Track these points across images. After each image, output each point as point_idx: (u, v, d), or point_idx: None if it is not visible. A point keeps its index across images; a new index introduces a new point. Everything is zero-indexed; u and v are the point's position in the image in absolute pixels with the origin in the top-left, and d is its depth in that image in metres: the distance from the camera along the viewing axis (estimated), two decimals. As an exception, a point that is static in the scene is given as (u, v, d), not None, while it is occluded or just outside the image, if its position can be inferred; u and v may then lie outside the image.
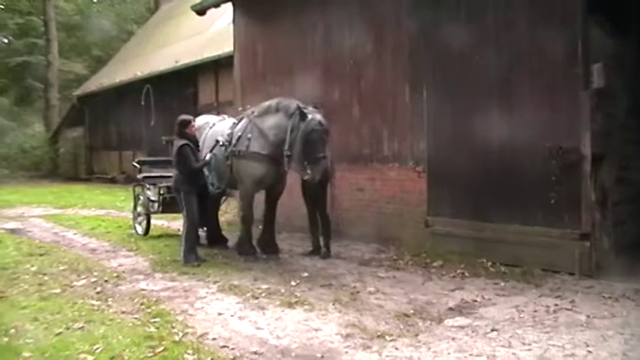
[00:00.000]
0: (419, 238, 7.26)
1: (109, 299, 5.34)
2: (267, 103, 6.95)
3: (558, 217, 5.97)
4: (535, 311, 4.82)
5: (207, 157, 6.94)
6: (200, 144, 7.37)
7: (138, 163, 9.38)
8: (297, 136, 6.35)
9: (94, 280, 6.08)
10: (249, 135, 6.92)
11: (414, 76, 7.48)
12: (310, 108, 6.55)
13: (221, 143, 7.09)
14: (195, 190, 6.85)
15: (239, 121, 7.31)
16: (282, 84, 9.27)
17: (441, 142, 7.16)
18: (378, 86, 8.01)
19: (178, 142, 6.76)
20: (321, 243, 7.30)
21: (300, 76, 8.96)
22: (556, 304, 4.97)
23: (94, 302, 5.24)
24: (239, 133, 7.05)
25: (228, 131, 7.21)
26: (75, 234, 9.37)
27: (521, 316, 4.72)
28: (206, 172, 7.16)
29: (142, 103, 15.11)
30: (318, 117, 6.41)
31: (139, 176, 9.09)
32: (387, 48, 7.87)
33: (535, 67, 6.19)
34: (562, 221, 5.94)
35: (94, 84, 23.62)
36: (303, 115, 6.37)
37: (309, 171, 6.29)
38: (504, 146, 6.40)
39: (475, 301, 5.17)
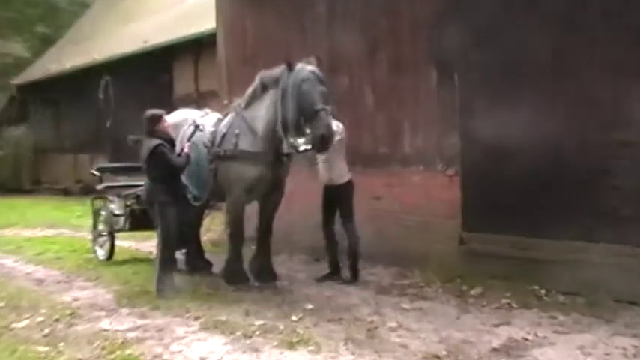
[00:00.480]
0: (451, 259, 7.24)
1: (61, 343, 5.27)
2: (250, 88, 7.04)
3: (634, 230, 5.92)
4: (607, 354, 4.76)
5: (186, 149, 6.91)
6: (177, 145, 7.35)
7: (98, 170, 9.37)
8: (287, 93, 6.44)
9: (40, 319, 6.02)
10: (237, 131, 6.93)
11: (441, 54, 7.47)
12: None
13: (201, 129, 7.15)
14: (173, 202, 6.82)
15: (225, 116, 7.31)
16: (277, 68, 9.25)
17: (478, 138, 7.13)
18: (397, 68, 8.02)
19: (150, 143, 6.75)
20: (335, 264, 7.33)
21: (299, 59, 8.91)
22: (635, 346, 4.89)
23: (40, 348, 5.17)
24: (224, 130, 7.06)
25: (212, 129, 7.21)
26: (16, 261, 9.35)
27: (589, 359, 4.68)
28: (184, 178, 7.12)
29: (101, 96, 15.22)
30: (309, 66, 6.54)
31: (100, 187, 9.07)
32: (408, 19, 7.88)
33: (603, 34, 6.11)
34: (638, 236, 5.89)
35: (39, 70, 23.71)
36: (290, 67, 6.51)
37: (308, 131, 6.29)
38: (561, 141, 6.37)
39: (526, 339, 5.12)
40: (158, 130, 6.86)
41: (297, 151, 6.93)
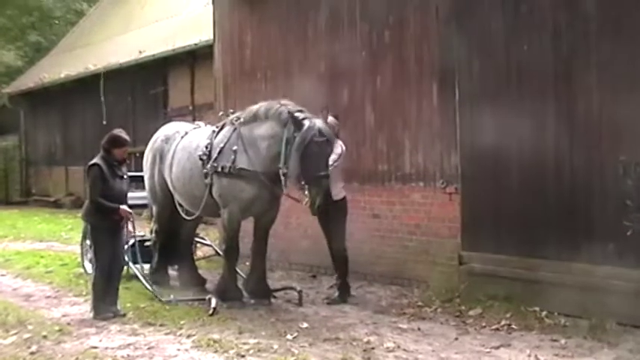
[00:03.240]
0: (451, 279, 7.23)
1: (49, 361, 5.25)
2: (254, 108, 7.02)
3: (638, 253, 5.88)
4: (609, 379, 4.76)
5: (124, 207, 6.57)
6: (169, 158, 7.36)
7: None
8: (292, 149, 6.43)
9: (27, 335, 6.00)
10: (235, 147, 6.92)
11: (444, 69, 7.50)
12: (306, 113, 6.59)
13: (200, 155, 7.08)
14: (107, 227, 6.62)
15: (220, 128, 7.31)
16: (276, 83, 9.29)
17: (480, 156, 7.15)
18: (398, 84, 8.04)
19: (93, 160, 6.63)
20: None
21: (299, 73, 9.00)
22: (639, 371, 4.90)
23: (27, 366, 5.16)
24: (221, 145, 7.04)
25: (207, 142, 7.20)
26: (3, 275, 9.33)
27: (590, 384, 4.67)
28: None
29: (102, 99, 15.54)
30: (318, 124, 6.49)
31: None
32: (410, 34, 7.91)
33: (607, 53, 6.13)
34: (644, 259, 5.89)
35: (31, 79, 23.67)
36: (298, 124, 6.44)
37: (307, 193, 6.33)
38: (564, 161, 6.38)
39: (527, 362, 5.11)
40: (114, 153, 6.64)
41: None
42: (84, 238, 9.12)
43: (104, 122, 17.28)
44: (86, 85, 19.37)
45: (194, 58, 15.38)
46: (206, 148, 7.14)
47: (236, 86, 10.16)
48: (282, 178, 6.63)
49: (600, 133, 6.18)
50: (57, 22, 30.42)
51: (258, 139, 6.83)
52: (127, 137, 6.81)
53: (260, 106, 6.95)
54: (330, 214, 7.19)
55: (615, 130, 6.10)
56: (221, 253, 7.86)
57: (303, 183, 6.43)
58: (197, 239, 8.62)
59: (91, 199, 6.64)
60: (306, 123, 6.45)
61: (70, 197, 20.31)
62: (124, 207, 6.58)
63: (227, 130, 7.17)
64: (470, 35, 7.24)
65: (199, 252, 8.95)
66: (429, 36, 7.68)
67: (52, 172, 22.50)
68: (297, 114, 6.54)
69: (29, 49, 29.75)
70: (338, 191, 7.21)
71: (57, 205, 20.60)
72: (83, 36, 24.72)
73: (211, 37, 11.17)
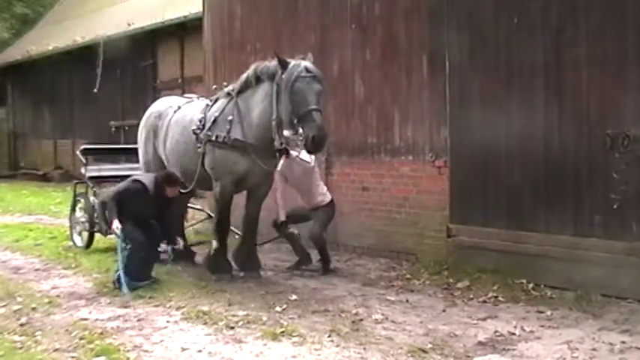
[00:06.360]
0: (439, 252, 7.29)
1: (38, 333, 5.27)
2: (244, 76, 6.97)
3: (624, 225, 5.94)
4: (594, 349, 4.79)
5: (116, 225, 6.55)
6: (162, 134, 7.34)
7: (83, 152, 9.20)
8: (281, 90, 6.38)
9: (17, 307, 6.02)
10: (230, 117, 6.86)
11: (433, 43, 7.48)
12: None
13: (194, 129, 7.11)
14: (141, 235, 6.65)
15: (214, 102, 7.26)
16: (265, 55, 9.18)
17: (469, 129, 7.17)
18: (388, 57, 8.02)
19: (142, 178, 6.88)
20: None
21: (289, 45, 8.92)
22: (623, 342, 4.92)
23: (16, 338, 5.17)
24: (216, 114, 6.98)
25: (200, 115, 7.14)
26: (-8, 248, 9.32)
27: (575, 355, 4.69)
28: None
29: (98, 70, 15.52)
30: (305, 63, 6.43)
31: (84, 171, 8.91)
32: (400, 7, 7.88)
33: (596, 26, 6.14)
34: (629, 231, 5.92)
35: (18, 52, 23.45)
36: (284, 64, 6.40)
37: (301, 131, 6.20)
38: (552, 134, 6.40)
39: (513, 333, 5.16)
40: (164, 187, 6.73)
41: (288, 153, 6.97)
42: (72, 211, 9.13)
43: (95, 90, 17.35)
44: (74, 57, 19.20)
45: (183, 30, 15.28)
46: (200, 121, 7.08)
47: (225, 59, 10.14)
48: (275, 131, 6.55)
49: (588, 106, 6.20)
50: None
51: (253, 107, 6.76)
52: (178, 178, 6.94)
53: (247, 72, 6.89)
54: None
55: (603, 103, 6.12)
56: (213, 215, 7.86)
57: (296, 122, 6.25)
58: (188, 205, 8.65)
59: (111, 197, 6.71)
60: (292, 62, 6.42)
61: (59, 171, 20.25)
62: (115, 224, 6.50)
63: (222, 102, 7.11)
64: (460, 8, 7.21)
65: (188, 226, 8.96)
66: (419, 9, 7.64)
67: (40, 145, 22.39)
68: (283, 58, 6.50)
69: (15, 20, 29.42)
70: None
71: (45, 178, 20.54)
72: (71, 8, 24.48)
73: (201, 9, 11.10)
